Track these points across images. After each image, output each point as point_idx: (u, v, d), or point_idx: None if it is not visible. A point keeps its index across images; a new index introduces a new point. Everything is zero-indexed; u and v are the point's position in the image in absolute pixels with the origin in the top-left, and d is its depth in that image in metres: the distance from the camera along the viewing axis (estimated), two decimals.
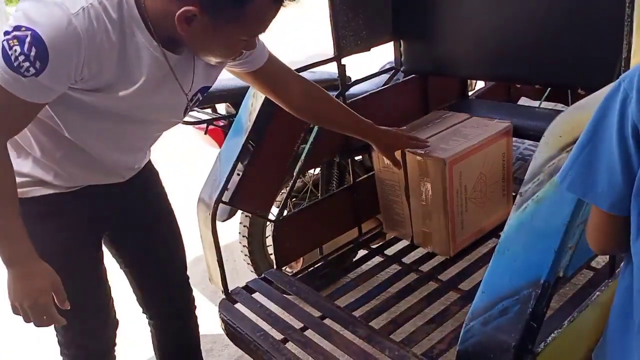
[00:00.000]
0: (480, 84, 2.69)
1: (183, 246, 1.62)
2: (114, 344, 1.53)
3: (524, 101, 2.49)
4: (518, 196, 1.02)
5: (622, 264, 0.91)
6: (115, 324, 1.52)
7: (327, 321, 1.62)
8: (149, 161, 1.49)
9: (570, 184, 0.85)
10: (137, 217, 1.46)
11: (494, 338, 0.96)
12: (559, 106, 2.35)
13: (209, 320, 2.31)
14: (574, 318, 1.13)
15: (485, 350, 0.97)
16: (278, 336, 1.57)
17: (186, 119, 2.04)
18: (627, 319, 0.89)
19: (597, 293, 1.22)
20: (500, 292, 0.98)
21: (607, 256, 1.43)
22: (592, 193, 0.82)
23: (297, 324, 1.61)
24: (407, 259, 1.95)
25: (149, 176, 1.49)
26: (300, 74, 1.88)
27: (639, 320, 0.84)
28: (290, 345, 1.53)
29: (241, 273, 2.62)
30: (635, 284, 0.84)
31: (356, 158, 2.27)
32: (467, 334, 1.00)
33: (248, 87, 1.83)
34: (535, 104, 2.40)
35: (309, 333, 1.58)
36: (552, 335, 1.09)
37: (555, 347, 1.07)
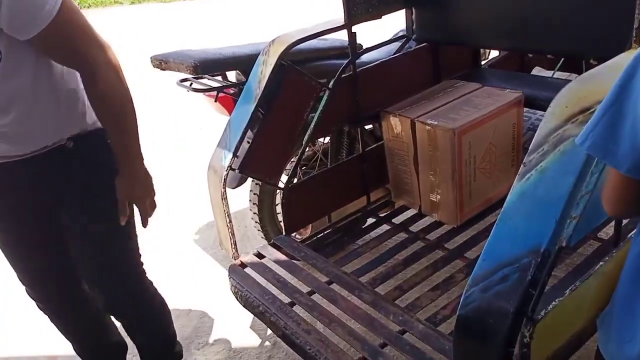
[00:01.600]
0: (493, 53, 2.66)
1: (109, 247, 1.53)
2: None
3: (537, 71, 2.46)
4: (522, 166, 1.02)
5: (635, 230, 0.92)
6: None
7: (334, 286, 1.65)
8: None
9: (591, 145, 0.83)
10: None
11: (493, 304, 0.99)
12: (573, 76, 2.31)
13: (220, 284, 2.37)
14: (576, 287, 1.15)
15: (485, 315, 1.00)
16: (286, 300, 1.61)
17: (197, 86, 2.06)
18: (637, 286, 0.90)
19: (601, 263, 1.23)
20: (501, 260, 1.00)
21: (614, 228, 1.44)
22: (613, 155, 0.82)
23: (305, 289, 1.65)
24: (414, 228, 1.98)
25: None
26: (310, 42, 1.89)
27: None
28: (297, 309, 1.57)
29: (252, 239, 2.67)
30: None
31: (366, 127, 2.27)
32: (467, 299, 1.03)
33: (258, 55, 1.84)
34: (549, 73, 2.37)
35: (316, 297, 1.61)
36: (553, 303, 1.10)
37: (555, 315, 1.09)
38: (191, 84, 2.09)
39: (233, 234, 1.81)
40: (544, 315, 1.04)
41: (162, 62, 2.02)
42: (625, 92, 0.80)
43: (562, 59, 2.37)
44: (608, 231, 1.87)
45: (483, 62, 2.49)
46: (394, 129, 1.93)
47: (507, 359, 0.99)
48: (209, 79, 2.09)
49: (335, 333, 1.47)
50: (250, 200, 2.26)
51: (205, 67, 1.95)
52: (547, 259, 0.97)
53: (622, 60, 1.06)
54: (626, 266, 0.95)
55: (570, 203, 0.96)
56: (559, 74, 2.34)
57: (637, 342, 0.90)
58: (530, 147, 1.03)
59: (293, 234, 1.98)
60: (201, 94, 2.09)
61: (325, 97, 1.90)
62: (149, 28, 8.38)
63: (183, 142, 4.06)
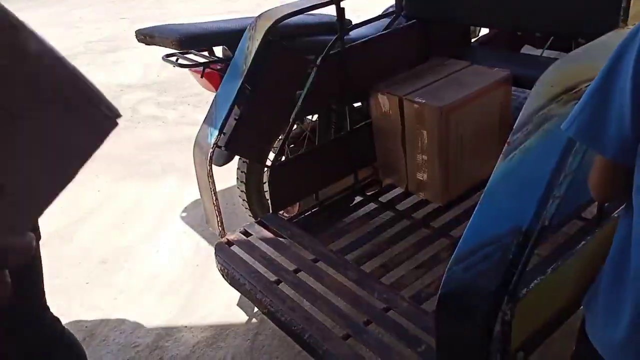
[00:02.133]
0: (483, 31, 2.63)
1: None
2: None
3: (527, 49, 2.45)
4: (506, 145, 1.02)
5: (620, 213, 0.92)
6: None
7: (320, 264, 1.66)
8: None
9: (576, 131, 0.83)
10: None
11: (474, 283, 0.99)
12: (562, 55, 2.30)
13: (206, 262, 2.37)
14: (558, 266, 1.16)
15: (466, 294, 1.01)
16: (272, 278, 1.61)
17: (182, 62, 2.03)
18: (622, 268, 0.91)
19: (583, 243, 1.24)
20: (483, 239, 1.00)
21: (597, 207, 1.45)
22: (599, 141, 0.81)
23: (291, 266, 1.65)
24: (401, 206, 1.98)
25: None
26: (298, 17, 1.85)
27: (635, 268, 0.86)
28: (283, 286, 1.58)
29: (240, 217, 2.67)
30: (634, 233, 0.86)
31: (354, 105, 2.26)
32: (449, 278, 1.03)
33: (244, 30, 1.81)
34: (538, 52, 2.36)
35: (301, 275, 1.62)
36: (535, 281, 1.11)
37: (537, 293, 1.10)
38: (177, 59, 2.06)
39: (220, 212, 1.80)
40: (525, 294, 1.05)
41: (147, 37, 1.99)
42: (611, 77, 0.80)
43: (552, 38, 2.36)
44: (592, 210, 1.88)
45: (473, 40, 2.47)
46: (382, 107, 1.92)
47: (489, 337, 1.00)
48: (195, 54, 2.06)
49: (321, 310, 1.48)
50: (237, 178, 2.25)
51: (191, 42, 1.91)
52: (528, 239, 0.98)
53: (609, 40, 1.05)
54: (611, 252, 0.95)
55: (553, 183, 0.96)
56: (548, 53, 2.33)
57: (622, 327, 0.91)
58: (514, 126, 1.03)
59: (280, 212, 1.98)
60: (187, 69, 2.05)
61: (312, 75, 1.88)
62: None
63: (164, 117, 4.02)
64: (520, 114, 1.02)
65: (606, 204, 1.43)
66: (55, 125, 0.47)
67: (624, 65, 0.78)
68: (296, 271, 1.64)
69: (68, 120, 0.48)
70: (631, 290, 0.88)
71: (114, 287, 2.29)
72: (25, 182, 0.47)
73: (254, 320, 2.08)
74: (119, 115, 0.49)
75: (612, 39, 1.03)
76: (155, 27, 2.03)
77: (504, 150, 1.02)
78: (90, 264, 2.44)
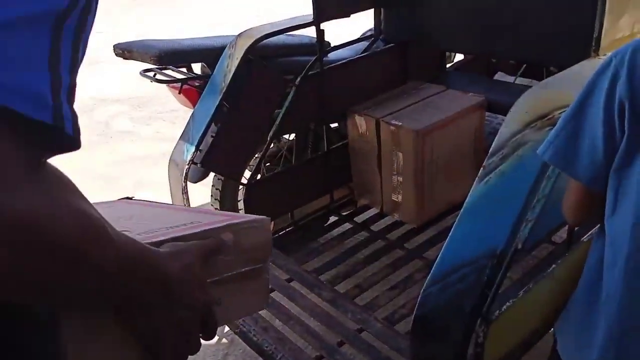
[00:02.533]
0: (459, 57, 2.70)
1: None
2: None
3: (500, 76, 2.51)
4: (482, 169, 1.04)
5: (593, 238, 0.94)
6: None
7: (294, 284, 1.65)
8: None
9: (552, 156, 0.86)
10: None
11: (449, 304, 1.00)
12: (534, 82, 2.37)
13: None
14: (529, 289, 1.17)
15: (441, 316, 1.01)
16: None
17: (160, 77, 2.02)
18: (595, 292, 0.93)
19: (554, 266, 1.26)
20: (459, 261, 1.01)
21: (567, 231, 1.48)
22: (573, 167, 0.84)
23: None
24: (375, 227, 1.99)
25: None
26: (278, 37, 1.87)
27: (606, 291, 0.88)
28: None
29: None
30: (606, 258, 0.88)
31: (331, 125, 2.27)
32: (424, 299, 1.04)
33: (224, 47, 1.81)
34: (511, 79, 2.42)
35: (275, 295, 1.60)
36: (507, 304, 1.13)
37: (509, 315, 1.11)
38: (155, 74, 2.05)
39: None
40: (498, 316, 1.06)
41: (125, 51, 1.97)
42: (584, 107, 0.82)
43: (524, 65, 2.42)
44: (562, 234, 1.92)
45: (448, 65, 2.52)
46: (359, 128, 1.93)
47: (462, 358, 1.01)
48: (173, 70, 2.05)
49: (293, 331, 1.47)
50: (212, 195, 2.23)
51: (169, 57, 1.90)
52: (503, 261, 0.99)
53: (581, 69, 1.09)
54: (584, 275, 0.97)
55: (527, 206, 0.98)
56: (520, 80, 2.39)
57: (594, 347, 0.92)
58: (490, 150, 1.05)
59: None
60: (165, 84, 2.04)
61: (291, 94, 1.89)
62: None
63: (144, 132, 3.98)
64: (496, 138, 1.04)
65: (576, 228, 1.46)
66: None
67: (596, 96, 0.81)
68: (270, 291, 1.62)
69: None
70: (604, 313, 0.90)
71: None
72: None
73: (224, 340, 2.04)
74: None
75: (585, 68, 1.07)
76: (134, 41, 2.02)
77: (479, 173, 1.04)
78: None
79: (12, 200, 0.41)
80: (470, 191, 1.05)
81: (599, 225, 0.92)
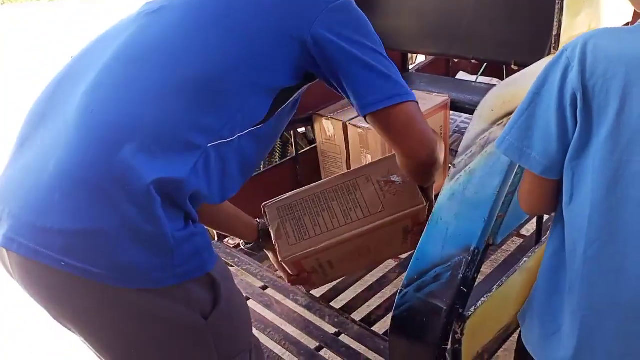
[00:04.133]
0: (420, 58, 2.73)
1: None
2: None
3: (461, 76, 2.56)
4: (452, 167, 1.05)
5: (551, 226, 0.97)
6: None
7: (269, 291, 1.63)
8: None
9: (507, 148, 0.88)
10: None
11: (426, 303, 1.01)
12: (495, 81, 2.42)
13: None
14: (503, 283, 1.20)
15: (418, 315, 1.02)
16: None
17: None
18: (556, 280, 0.95)
19: (525, 259, 1.29)
20: (434, 260, 1.02)
21: (535, 225, 1.51)
22: (527, 158, 0.86)
23: None
24: None
25: None
26: None
27: (570, 280, 0.90)
28: None
29: None
30: (567, 245, 0.90)
31: (299, 130, 2.27)
32: (401, 300, 1.04)
33: None
34: (472, 78, 2.47)
35: (250, 303, 1.58)
36: (482, 299, 1.14)
37: (484, 310, 1.13)
38: None
39: None
40: (474, 312, 1.08)
41: None
42: (537, 99, 0.85)
43: (485, 65, 2.47)
44: (529, 227, 1.97)
45: (411, 67, 2.55)
46: (326, 132, 1.94)
47: (441, 356, 1.02)
48: None
49: (271, 338, 1.46)
50: None
51: None
52: (476, 257, 1.00)
53: (542, 66, 1.12)
54: (543, 264, 0.99)
55: (498, 202, 0.99)
56: (482, 79, 2.44)
57: (558, 336, 0.94)
58: (459, 149, 1.06)
59: (225, 240, 1.94)
60: None
61: None
62: (69, 25, 8.00)
63: None
64: (464, 137, 1.06)
65: (544, 220, 1.50)
66: None
67: (548, 87, 0.83)
68: (245, 299, 1.61)
69: None
70: (567, 302, 0.92)
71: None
72: None
73: None
74: None
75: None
76: None
77: (449, 172, 1.05)
78: None
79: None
80: (442, 190, 1.06)
81: (557, 212, 0.94)
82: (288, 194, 1.51)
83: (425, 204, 1.33)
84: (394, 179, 1.38)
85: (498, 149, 0.90)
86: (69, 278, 0.83)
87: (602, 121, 0.79)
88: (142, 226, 0.83)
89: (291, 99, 1.11)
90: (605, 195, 0.81)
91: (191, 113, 0.91)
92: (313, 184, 1.51)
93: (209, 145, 0.93)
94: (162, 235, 0.85)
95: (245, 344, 1.01)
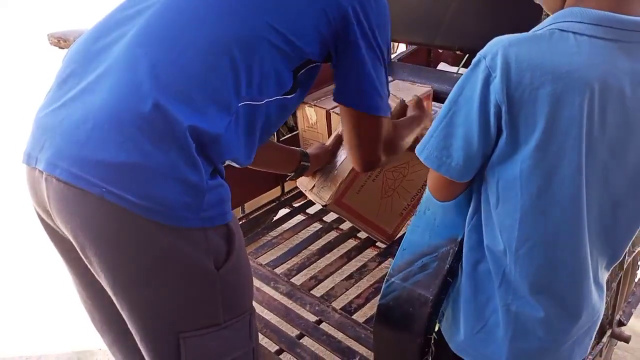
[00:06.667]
0: (401, 47, 2.73)
1: None
2: None
3: (443, 67, 2.56)
4: None
5: (467, 220, 0.96)
6: None
7: None
8: None
9: (426, 157, 0.87)
10: None
11: (413, 293, 1.01)
12: None
13: None
14: None
15: (405, 304, 1.02)
16: None
17: None
18: (479, 276, 0.95)
19: None
20: (420, 250, 1.03)
21: None
22: (447, 167, 0.86)
23: None
24: (328, 217, 1.99)
25: None
26: None
27: (501, 275, 0.90)
28: None
29: None
30: (494, 245, 0.90)
31: None
32: (388, 289, 1.05)
33: None
34: (454, 69, 2.48)
35: None
36: None
37: None
38: None
39: None
40: None
41: (60, 40, 1.86)
42: (456, 105, 0.83)
43: (467, 56, 2.48)
44: None
45: (392, 56, 2.54)
46: (309, 119, 1.92)
47: (426, 345, 1.03)
48: None
49: None
50: None
51: None
52: (462, 247, 1.01)
53: None
54: (466, 254, 0.97)
55: None
56: (463, 70, 2.45)
57: (489, 329, 0.94)
58: None
59: None
60: None
61: None
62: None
63: None
64: None
65: None
66: None
67: (469, 93, 0.81)
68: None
69: None
70: (498, 297, 0.92)
71: None
72: None
73: None
74: None
75: None
76: (69, 30, 1.91)
77: None
78: None
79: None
80: (428, 180, 1.07)
81: (471, 208, 0.95)
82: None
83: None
84: None
85: (419, 157, 0.89)
86: (105, 205, 0.85)
87: (530, 131, 0.79)
88: (182, 166, 0.87)
89: (310, 78, 1.14)
90: (535, 202, 0.83)
91: (230, 72, 0.94)
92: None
93: (239, 104, 0.96)
94: (199, 178, 0.88)
95: (247, 306, 1.04)
